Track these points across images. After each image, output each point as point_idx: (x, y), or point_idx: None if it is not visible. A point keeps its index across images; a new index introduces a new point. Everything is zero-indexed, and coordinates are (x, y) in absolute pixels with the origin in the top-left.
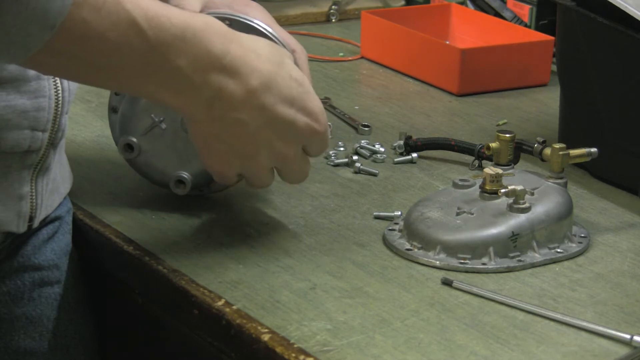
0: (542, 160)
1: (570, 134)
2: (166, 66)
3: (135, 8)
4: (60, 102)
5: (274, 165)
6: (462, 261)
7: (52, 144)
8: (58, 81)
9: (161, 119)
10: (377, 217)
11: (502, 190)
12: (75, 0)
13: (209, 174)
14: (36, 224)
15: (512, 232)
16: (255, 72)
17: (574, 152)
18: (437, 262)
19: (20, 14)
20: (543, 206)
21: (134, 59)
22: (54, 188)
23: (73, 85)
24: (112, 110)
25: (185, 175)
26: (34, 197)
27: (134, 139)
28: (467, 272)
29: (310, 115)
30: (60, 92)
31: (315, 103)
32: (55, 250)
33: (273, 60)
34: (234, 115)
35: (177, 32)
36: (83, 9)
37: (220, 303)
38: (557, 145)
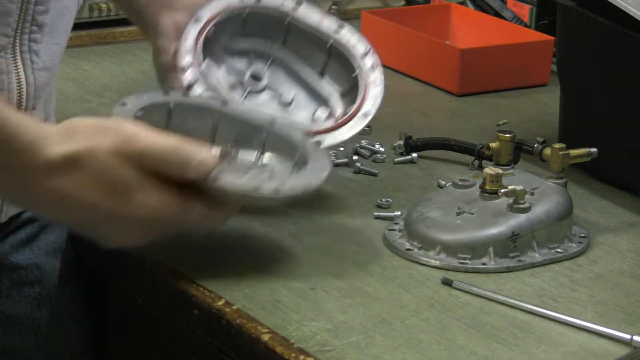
0: (542, 160)
1: (570, 134)
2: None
3: None
4: (24, 97)
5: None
6: (462, 261)
7: None
8: (22, 75)
9: None
10: (377, 217)
11: (502, 190)
12: None
13: None
14: (3, 219)
15: (512, 232)
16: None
17: (574, 152)
18: (437, 262)
19: None
20: (543, 206)
21: None
22: None
23: (40, 81)
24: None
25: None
26: None
27: None
28: (467, 272)
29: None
30: (24, 86)
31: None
32: (35, 250)
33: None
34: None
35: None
36: None
37: (220, 303)
38: (557, 145)
